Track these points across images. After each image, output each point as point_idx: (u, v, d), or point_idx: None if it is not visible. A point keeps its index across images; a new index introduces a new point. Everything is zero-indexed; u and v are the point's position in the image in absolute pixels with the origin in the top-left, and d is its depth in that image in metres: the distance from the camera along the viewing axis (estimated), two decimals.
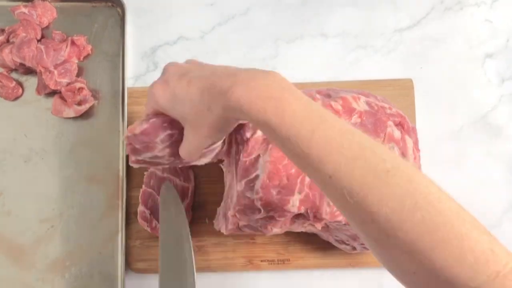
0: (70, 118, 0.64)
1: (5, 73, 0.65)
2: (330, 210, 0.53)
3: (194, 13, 0.69)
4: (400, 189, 0.34)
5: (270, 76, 0.39)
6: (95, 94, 0.65)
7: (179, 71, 0.44)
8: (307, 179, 0.52)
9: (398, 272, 0.37)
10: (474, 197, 0.66)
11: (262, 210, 0.53)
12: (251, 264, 0.63)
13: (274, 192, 0.52)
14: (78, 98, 0.63)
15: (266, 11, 0.69)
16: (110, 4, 0.67)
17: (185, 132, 0.44)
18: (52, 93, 0.64)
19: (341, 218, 0.53)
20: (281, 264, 0.63)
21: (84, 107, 0.64)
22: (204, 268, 0.64)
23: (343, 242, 0.60)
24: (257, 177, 0.51)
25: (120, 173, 0.63)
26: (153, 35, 0.68)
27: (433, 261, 0.33)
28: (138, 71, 0.67)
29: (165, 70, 0.47)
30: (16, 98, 0.65)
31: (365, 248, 0.59)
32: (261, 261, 0.63)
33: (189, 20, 0.68)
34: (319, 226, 0.55)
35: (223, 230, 0.56)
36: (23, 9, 0.65)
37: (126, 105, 0.64)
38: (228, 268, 0.64)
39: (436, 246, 0.33)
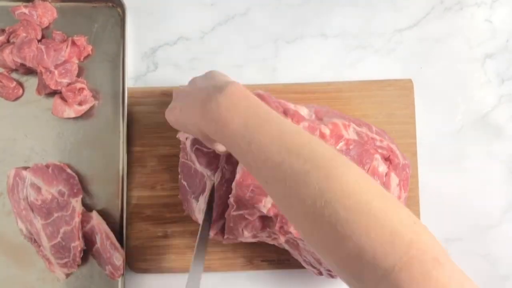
0: (70, 118, 0.64)
1: (5, 73, 0.65)
2: None
3: (194, 13, 0.69)
4: (313, 189, 0.38)
5: (222, 94, 0.45)
6: (95, 94, 0.65)
7: (175, 98, 0.54)
8: None
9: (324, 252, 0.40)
10: (474, 197, 0.67)
11: (235, 206, 0.55)
12: (251, 264, 0.63)
13: (247, 190, 0.54)
14: (79, 98, 0.63)
15: (266, 11, 0.69)
16: (110, 4, 0.67)
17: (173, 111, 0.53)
18: (53, 93, 0.64)
19: None
20: (281, 264, 0.63)
21: (84, 107, 0.64)
22: (204, 268, 0.64)
23: (310, 264, 0.59)
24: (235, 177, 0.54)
25: (120, 173, 0.63)
26: (153, 35, 0.68)
27: (342, 252, 0.37)
28: (138, 71, 0.67)
29: (174, 95, 0.55)
30: (17, 98, 0.65)
31: (330, 275, 0.59)
32: (261, 261, 0.63)
33: (189, 20, 0.68)
34: (282, 238, 0.56)
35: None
36: (24, 9, 0.65)
37: (126, 105, 0.64)
38: (229, 268, 0.64)
39: (342, 239, 0.36)
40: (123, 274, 0.62)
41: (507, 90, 0.68)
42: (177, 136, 0.61)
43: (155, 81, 0.67)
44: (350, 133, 0.57)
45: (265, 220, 0.56)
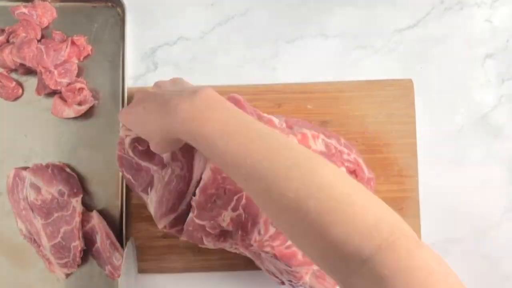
0: (70, 118, 0.64)
1: (5, 73, 0.65)
2: (259, 239, 0.54)
3: (194, 13, 0.69)
4: (296, 182, 0.39)
5: (197, 96, 0.45)
6: (95, 94, 0.65)
7: (141, 98, 0.53)
8: (244, 201, 0.54)
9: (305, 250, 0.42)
10: (474, 197, 0.67)
11: (196, 211, 0.54)
12: (251, 264, 0.63)
13: (209, 201, 0.54)
14: (78, 98, 0.63)
15: (266, 11, 0.69)
16: (110, 4, 0.67)
17: (149, 142, 0.52)
18: (52, 93, 0.64)
19: (268, 249, 0.54)
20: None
21: (84, 107, 0.64)
22: (205, 268, 0.64)
23: (272, 274, 0.59)
24: (201, 180, 0.54)
25: (120, 173, 0.63)
26: (153, 35, 0.68)
27: (327, 238, 0.38)
28: (138, 71, 0.67)
29: (134, 98, 0.55)
30: (16, 99, 0.65)
31: (292, 285, 0.59)
32: None
33: (189, 20, 0.68)
34: (245, 251, 0.56)
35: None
36: (23, 9, 0.64)
37: (126, 105, 0.64)
38: (229, 268, 0.64)
39: (328, 227, 0.38)
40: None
41: (507, 90, 0.68)
42: (120, 135, 0.59)
43: (155, 81, 0.67)
44: (318, 144, 0.58)
45: (227, 233, 0.56)
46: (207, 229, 0.55)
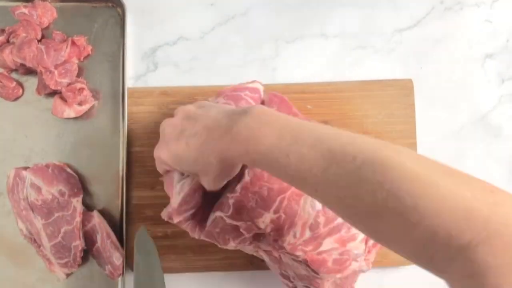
0: (70, 118, 0.64)
1: (5, 73, 0.65)
2: (294, 242, 0.52)
3: (194, 13, 0.69)
4: (370, 184, 0.36)
5: (250, 115, 0.44)
6: (95, 94, 0.65)
7: (175, 131, 0.49)
8: (286, 202, 0.52)
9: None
10: None
11: (231, 210, 0.52)
12: (251, 264, 0.63)
13: (252, 199, 0.52)
14: (79, 98, 0.63)
15: (266, 11, 0.69)
16: (110, 4, 0.67)
17: (200, 179, 0.50)
18: (53, 93, 0.64)
19: (300, 253, 0.52)
20: None
21: (84, 107, 0.64)
22: (205, 268, 0.64)
23: (288, 278, 0.58)
24: (242, 178, 0.52)
25: (120, 173, 0.63)
26: (153, 35, 0.68)
27: (418, 233, 0.35)
28: (138, 71, 0.67)
29: (162, 132, 0.52)
30: (16, 99, 0.65)
31: None
32: (262, 261, 0.63)
33: (189, 20, 0.68)
34: (276, 253, 0.54)
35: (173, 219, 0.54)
36: (23, 9, 0.65)
37: (127, 105, 0.64)
38: (229, 268, 0.64)
39: (410, 230, 0.35)
40: (122, 274, 0.62)
41: (507, 90, 0.69)
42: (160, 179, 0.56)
43: (155, 81, 0.67)
44: None
45: (259, 235, 0.55)
46: (242, 230, 0.52)
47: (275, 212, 0.52)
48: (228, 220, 0.52)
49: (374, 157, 0.37)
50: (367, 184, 0.36)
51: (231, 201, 0.52)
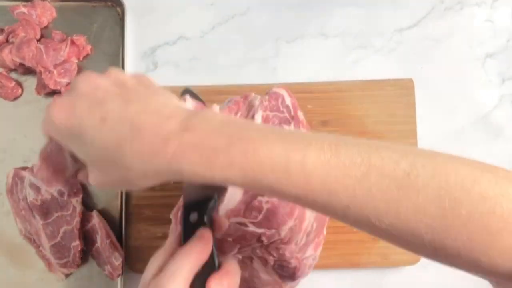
0: None
1: (4, 73, 0.65)
2: (293, 250, 0.50)
3: (194, 13, 0.68)
4: (431, 189, 0.29)
5: (197, 128, 0.31)
6: None
7: (93, 95, 0.33)
8: (297, 212, 0.48)
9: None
10: None
11: (261, 215, 0.46)
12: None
13: (286, 205, 0.47)
14: None
15: (266, 11, 0.69)
16: (109, 4, 0.67)
17: (89, 171, 0.35)
18: (52, 93, 0.64)
19: (295, 261, 0.50)
20: None
21: None
22: None
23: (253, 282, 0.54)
24: None
25: None
26: (153, 35, 0.68)
27: (490, 260, 0.29)
28: (138, 71, 0.67)
29: (73, 86, 0.35)
30: (16, 98, 0.65)
31: None
32: None
33: (189, 20, 0.68)
34: (271, 260, 0.50)
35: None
36: (23, 9, 0.64)
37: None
38: None
39: (493, 240, 0.28)
40: (121, 274, 0.61)
41: (508, 90, 0.68)
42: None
43: (154, 80, 0.67)
44: None
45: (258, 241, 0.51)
46: (263, 238, 0.47)
47: (296, 219, 0.48)
48: (252, 228, 0.46)
49: (421, 157, 0.31)
50: (427, 190, 0.29)
51: (265, 206, 0.46)
